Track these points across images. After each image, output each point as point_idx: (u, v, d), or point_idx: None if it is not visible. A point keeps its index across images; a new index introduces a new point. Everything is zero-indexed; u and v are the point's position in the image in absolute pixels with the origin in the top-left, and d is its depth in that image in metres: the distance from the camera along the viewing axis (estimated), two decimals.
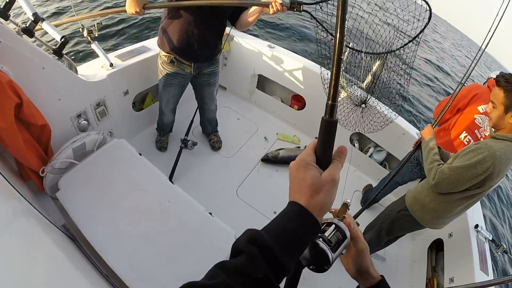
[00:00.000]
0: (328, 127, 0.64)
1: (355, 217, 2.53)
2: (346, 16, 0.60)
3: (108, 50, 2.65)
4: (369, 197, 3.04)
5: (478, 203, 2.67)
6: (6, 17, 1.67)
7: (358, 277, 0.80)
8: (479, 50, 2.17)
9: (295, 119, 3.83)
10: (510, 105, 1.70)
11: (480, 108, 2.50)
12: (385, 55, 2.46)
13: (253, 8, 2.22)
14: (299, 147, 3.53)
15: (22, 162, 1.82)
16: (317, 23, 2.21)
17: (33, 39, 1.83)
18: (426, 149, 2.07)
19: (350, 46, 2.60)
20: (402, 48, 2.31)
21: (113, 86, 2.55)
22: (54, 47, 2.01)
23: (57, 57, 2.02)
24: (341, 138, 3.17)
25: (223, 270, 0.51)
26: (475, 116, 2.51)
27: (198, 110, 3.04)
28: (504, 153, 1.72)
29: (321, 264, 0.65)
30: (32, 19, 1.81)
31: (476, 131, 2.51)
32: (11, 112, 1.58)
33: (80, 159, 2.02)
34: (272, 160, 3.27)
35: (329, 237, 0.67)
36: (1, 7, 1.65)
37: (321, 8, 2.16)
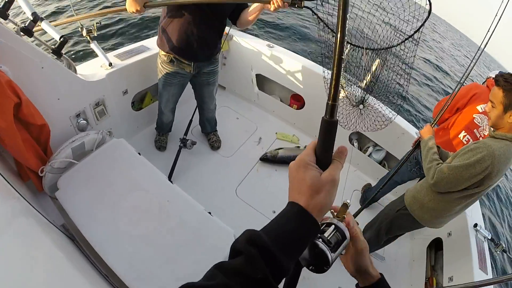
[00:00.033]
0: (329, 127, 0.64)
1: (354, 216, 2.53)
2: (347, 15, 0.60)
3: (107, 49, 2.64)
4: (368, 196, 3.04)
5: (477, 202, 2.68)
6: (5, 17, 1.67)
7: (357, 276, 0.80)
8: (478, 49, 2.18)
9: (294, 118, 3.83)
10: (509, 105, 1.70)
11: (479, 108, 2.50)
12: (386, 51, 2.45)
13: (254, 5, 2.21)
14: (298, 146, 3.52)
15: (21, 162, 1.82)
16: (318, 20, 2.20)
17: (32, 38, 1.83)
18: (425, 148, 2.07)
19: (351, 42, 2.59)
20: (403, 43, 2.30)
21: (112, 86, 2.54)
22: (53, 46, 2.01)
23: (56, 57, 2.02)
24: (340, 137, 3.16)
25: (221, 271, 0.51)
26: (474, 116, 2.51)
27: (197, 110, 3.04)
28: (503, 153, 1.72)
29: (320, 264, 0.65)
30: (31, 18, 1.81)
31: (475, 130, 2.51)
32: (10, 111, 1.58)
33: (79, 159, 2.02)
34: (271, 159, 3.27)
35: (328, 238, 0.66)
36: (0, 6, 1.65)
37: (322, 3, 2.15)
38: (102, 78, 2.41)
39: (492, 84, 1.84)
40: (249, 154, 3.34)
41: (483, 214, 2.80)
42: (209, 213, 1.96)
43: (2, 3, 1.66)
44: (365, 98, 2.83)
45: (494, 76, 1.88)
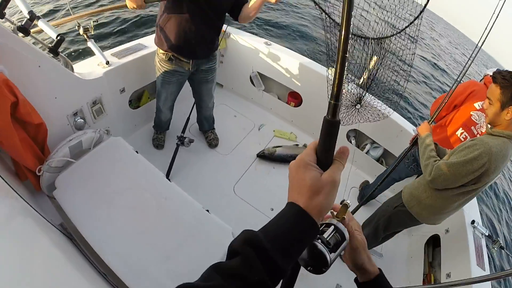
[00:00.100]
0: (330, 127, 0.62)
1: (352, 213, 2.54)
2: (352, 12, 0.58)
3: (104, 48, 2.63)
4: (366, 193, 3.05)
5: (475, 199, 2.69)
6: (2, 15, 1.66)
7: (355, 271, 0.80)
8: (476, 47, 2.18)
9: (292, 116, 3.83)
10: (506, 102, 1.71)
11: (477, 105, 2.51)
12: (386, 41, 2.44)
13: None
14: (297, 144, 3.53)
15: (19, 161, 1.82)
16: (321, 10, 2.19)
17: (29, 37, 1.82)
18: (422, 145, 2.08)
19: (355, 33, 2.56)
20: (402, 33, 2.30)
21: (110, 84, 2.54)
22: (50, 45, 2.00)
23: (53, 55, 2.01)
24: (338, 134, 3.18)
25: (218, 272, 0.50)
26: (471, 113, 2.52)
27: (195, 108, 3.04)
28: (500, 150, 1.73)
29: (319, 266, 0.64)
30: (28, 17, 1.80)
31: (472, 127, 2.52)
32: (7, 111, 1.57)
33: (77, 158, 2.01)
34: (268, 156, 3.28)
35: (327, 239, 0.66)
36: None
37: None
38: (99, 77, 2.40)
39: (490, 82, 1.84)
40: (247, 151, 3.34)
41: (480, 211, 2.81)
42: (207, 210, 1.96)
43: None
44: (363, 96, 2.83)
45: (491, 73, 1.89)
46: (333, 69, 2.68)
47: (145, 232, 1.74)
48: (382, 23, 2.41)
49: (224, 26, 2.59)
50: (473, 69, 16.52)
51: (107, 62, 2.50)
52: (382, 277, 0.78)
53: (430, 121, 2.28)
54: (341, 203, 0.73)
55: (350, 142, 3.61)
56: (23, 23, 1.76)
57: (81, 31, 2.30)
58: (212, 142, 3.25)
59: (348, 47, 0.58)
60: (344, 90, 2.86)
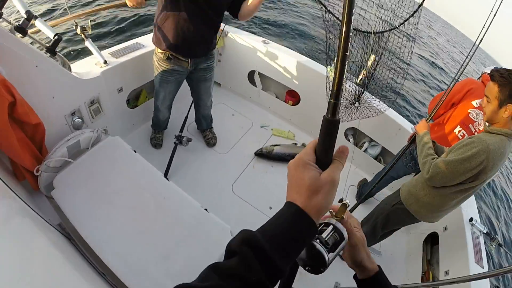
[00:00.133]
0: (330, 126, 0.61)
1: (351, 211, 2.54)
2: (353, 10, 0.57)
3: (102, 47, 2.62)
4: (364, 191, 3.05)
5: (473, 196, 2.69)
6: None
7: (354, 268, 0.80)
8: (473, 45, 2.18)
9: (290, 114, 3.83)
10: (504, 100, 1.71)
11: (474, 103, 2.51)
12: (385, 35, 2.43)
13: None
14: (295, 143, 3.53)
15: (16, 161, 1.81)
16: (321, 5, 2.18)
17: (26, 37, 1.81)
18: (420, 143, 2.08)
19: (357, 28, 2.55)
20: (403, 25, 2.29)
21: (107, 84, 2.53)
22: (48, 45, 2.00)
23: (50, 55, 2.00)
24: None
25: (216, 272, 0.50)
26: (469, 111, 2.52)
27: (193, 107, 3.04)
28: (497, 147, 1.73)
29: (317, 266, 0.64)
30: (25, 16, 1.79)
31: (470, 125, 2.52)
32: (4, 111, 1.57)
33: (75, 157, 2.01)
34: (265, 155, 3.28)
35: (326, 239, 0.66)
36: None
37: None
38: (97, 76, 2.39)
39: (487, 80, 1.85)
40: (245, 150, 3.35)
41: (478, 209, 2.82)
42: (206, 209, 1.96)
43: None
44: (361, 94, 2.83)
45: (489, 71, 1.89)
46: (332, 68, 2.70)
47: (143, 232, 1.74)
48: (381, 22, 2.41)
49: (222, 25, 2.59)
50: (471, 68, 16.57)
51: (105, 62, 2.49)
52: (381, 274, 0.78)
53: (428, 119, 2.28)
54: (339, 202, 0.72)
55: (348, 140, 3.61)
56: (20, 23, 1.75)
57: (78, 30, 2.30)
58: (210, 141, 3.25)
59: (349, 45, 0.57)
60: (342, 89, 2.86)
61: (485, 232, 2.52)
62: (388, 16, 2.32)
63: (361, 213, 2.81)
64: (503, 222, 6.37)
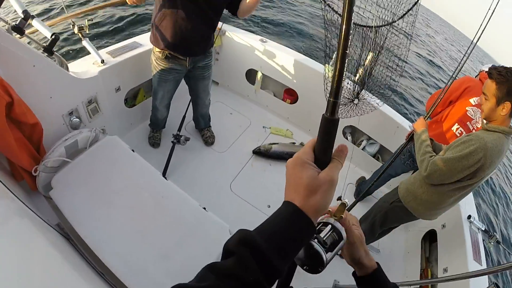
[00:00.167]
0: (329, 125, 0.60)
1: (349, 209, 2.55)
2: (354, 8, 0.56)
3: (99, 46, 2.62)
4: (363, 189, 3.06)
5: (471, 194, 2.69)
6: None
7: (353, 265, 0.80)
8: (471, 44, 2.19)
9: (288, 113, 3.83)
10: (501, 97, 1.72)
11: (472, 101, 2.52)
12: (386, 28, 2.42)
13: None
14: (294, 143, 3.53)
15: (14, 161, 1.80)
16: (322, 1, 2.18)
17: (23, 37, 1.81)
18: (418, 141, 2.09)
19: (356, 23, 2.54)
20: (401, 20, 2.29)
21: (105, 83, 2.53)
22: (45, 44, 1.99)
23: (47, 55, 1.99)
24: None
25: (213, 272, 0.50)
26: (467, 108, 2.53)
27: (190, 105, 3.03)
28: (495, 145, 1.74)
29: (315, 265, 0.64)
30: (22, 16, 1.79)
31: (468, 123, 2.53)
32: (1, 111, 1.56)
33: (73, 157, 2.01)
34: (263, 153, 3.28)
35: (324, 238, 0.65)
36: None
37: None
38: (94, 76, 2.39)
39: (485, 77, 1.85)
40: (243, 149, 3.35)
41: (477, 206, 2.82)
42: (204, 208, 1.96)
43: None
44: (360, 92, 2.83)
45: (487, 69, 1.89)
46: (330, 66, 2.69)
47: (142, 231, 1.74)
48: (379, 20, 2.41)
49: (220, 24, 2.58)
50: (469, 66, 16.59)
51: (102, 61, 2.49)
52: (380, 271, 0.78)
53: (426, 117, 2.29)
54: (338, 200, 0.72)
55: (346, 138, 3.62)
56: (17, 23, 1.74)
57: (75, 29, 2.29)
58: (208, 140, 3.25)
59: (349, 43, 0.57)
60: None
61: (483, 229, 2.52)
62: (386, 16, 2.32)
63: (359, 211, 2.82)
64: (501, 219, 6.39)
